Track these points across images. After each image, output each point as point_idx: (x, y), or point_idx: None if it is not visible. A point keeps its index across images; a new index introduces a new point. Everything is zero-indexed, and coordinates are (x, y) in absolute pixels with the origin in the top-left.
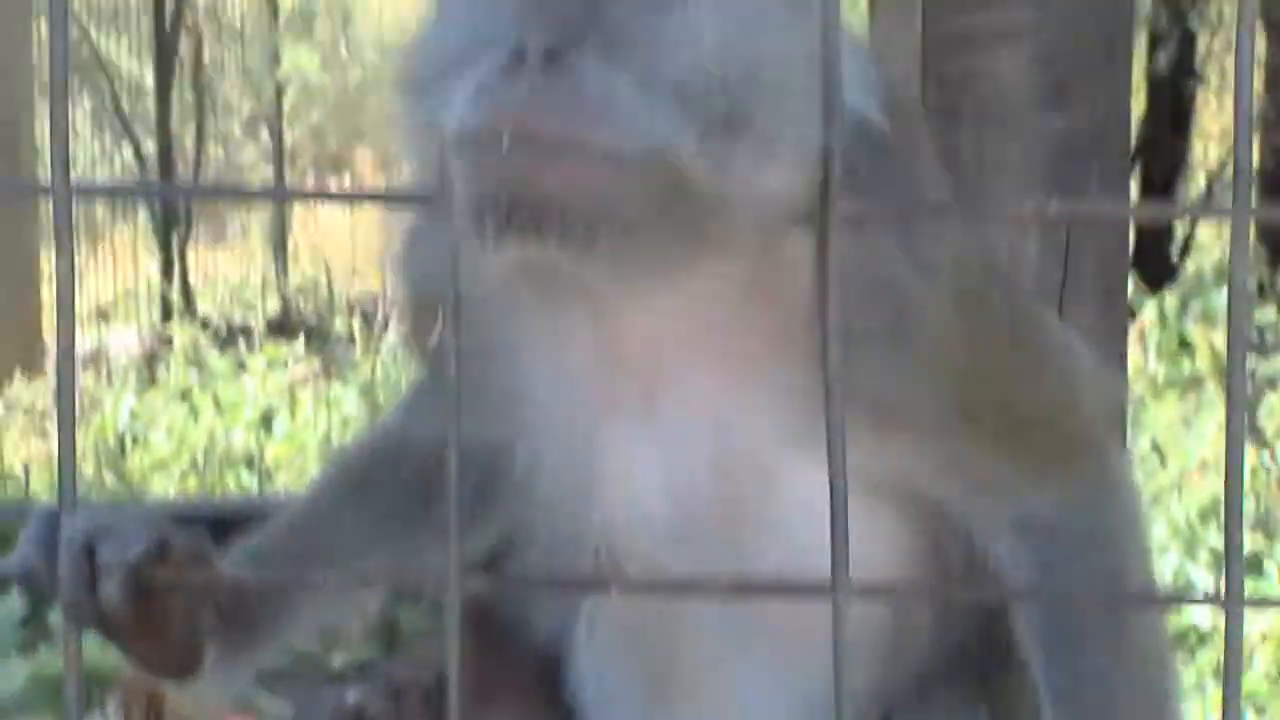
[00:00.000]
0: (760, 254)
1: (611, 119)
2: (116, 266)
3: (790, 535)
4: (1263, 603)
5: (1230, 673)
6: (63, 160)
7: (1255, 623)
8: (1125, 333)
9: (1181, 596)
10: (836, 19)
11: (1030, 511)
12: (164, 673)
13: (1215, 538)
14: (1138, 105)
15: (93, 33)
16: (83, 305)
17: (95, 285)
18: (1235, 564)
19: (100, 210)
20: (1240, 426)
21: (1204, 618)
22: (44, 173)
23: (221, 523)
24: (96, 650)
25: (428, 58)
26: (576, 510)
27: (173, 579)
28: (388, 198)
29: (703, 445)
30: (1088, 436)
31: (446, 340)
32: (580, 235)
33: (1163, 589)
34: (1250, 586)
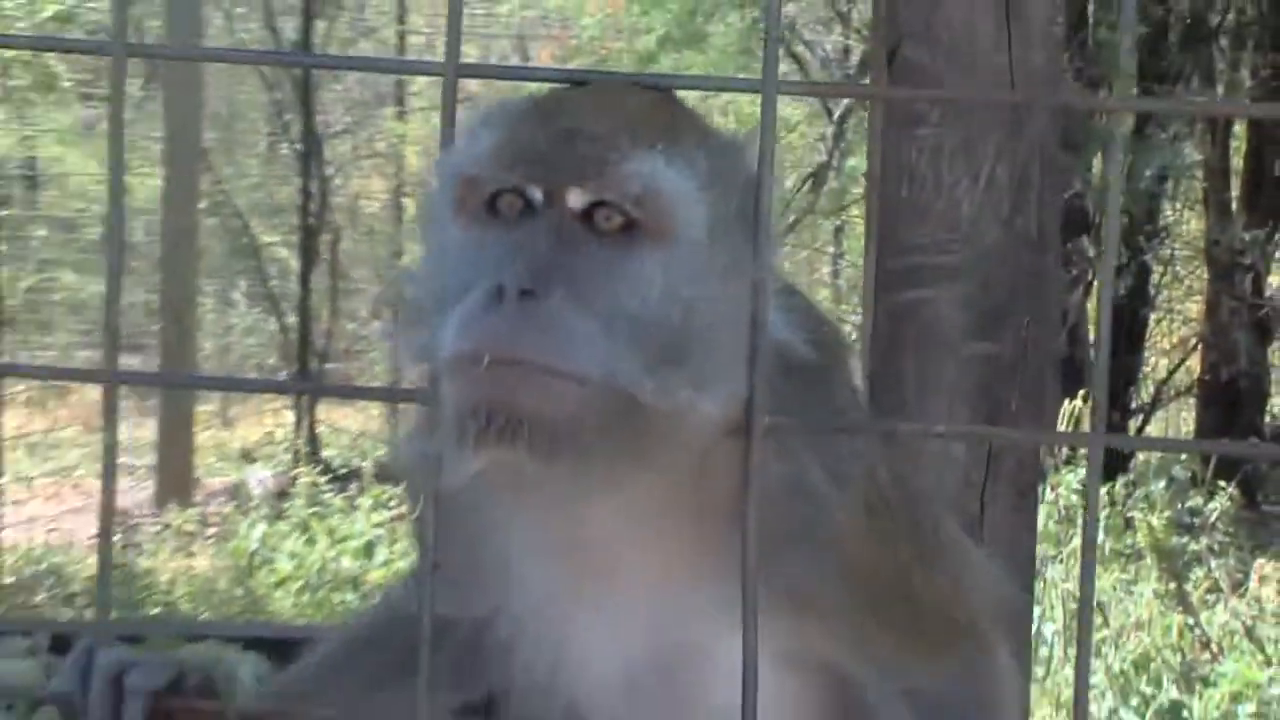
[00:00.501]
0: (696, 461)
1: (574, 348)
2: (261, 417)
3: (720, 699)
4: None
5: None
6: (111, 347)
7: None
8: (1035, 526)
9: None
10: (765, 280)
11: (920, 684)
12: None
13: (1147, 686)
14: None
15: (252, 225)
16: (232, 446)
17: (243, 431)
18: None
19: (254, 372)
20: (1089, 626)
21: None
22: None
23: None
24: None
25: (424, 292)
26: (548, 670)
27: (185, 707)
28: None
29: (647, 619)
30: (973, 626)
31: (425, 523)
32: (545, 444)
33: None
34: None
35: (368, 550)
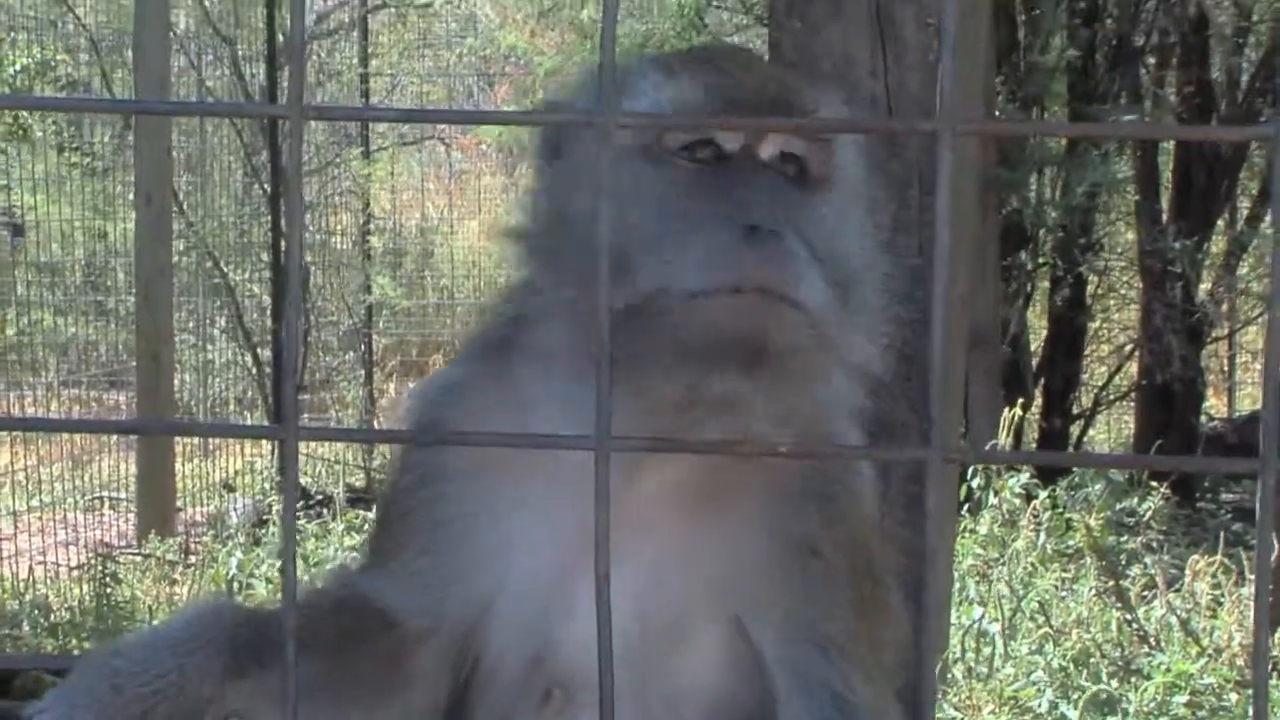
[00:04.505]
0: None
1: (805, 278)
2: (241, 448)
3: (689, 679)
4: None
5: None
6: None
7: None
8: (924, 532)
9: None
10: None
11: (845, 688)
12: None
13: (1085, 681)
14: (1040, 336)
15: (223, 265)
16: (214, 477)
17: (225, 463)
18: None
19: (232, 404)
20: (933, 622)
21: None
22: (180, 386)
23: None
24: None
25: (635, 231)
26: (535, 648)
27: None
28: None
29: (638, 602)
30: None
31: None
32: (760, 367)
33: None
34: None
35: None
